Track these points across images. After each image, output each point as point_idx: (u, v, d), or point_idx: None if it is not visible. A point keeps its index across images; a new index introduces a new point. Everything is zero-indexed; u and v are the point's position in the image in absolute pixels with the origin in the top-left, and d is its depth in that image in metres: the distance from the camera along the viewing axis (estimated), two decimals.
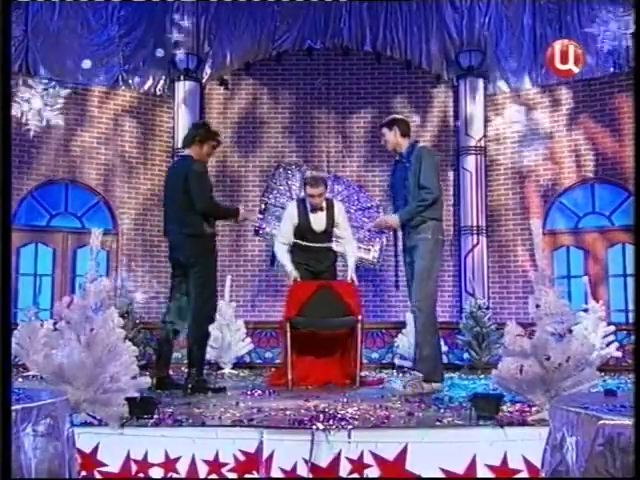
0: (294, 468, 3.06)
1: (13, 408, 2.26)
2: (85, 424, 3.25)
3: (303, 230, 5.70)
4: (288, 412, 3.78)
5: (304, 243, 5.70)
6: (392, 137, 5.05)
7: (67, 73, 9.09)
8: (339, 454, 3.08)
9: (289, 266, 5.62)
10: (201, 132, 5.20)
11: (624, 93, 8.69)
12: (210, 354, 6.98)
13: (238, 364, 7.04)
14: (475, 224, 9.22)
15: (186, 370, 5.06)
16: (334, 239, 5.80)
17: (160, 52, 9.39)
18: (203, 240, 4.98)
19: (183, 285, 5.07)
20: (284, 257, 5.70)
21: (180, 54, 9.50)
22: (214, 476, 3.11)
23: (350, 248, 5.81)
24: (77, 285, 8.08)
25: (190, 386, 4.80)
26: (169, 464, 3.14)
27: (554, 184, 9.18)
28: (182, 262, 5.06)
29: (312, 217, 5.73)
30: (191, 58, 9.54)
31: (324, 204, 5.75)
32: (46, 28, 8.97)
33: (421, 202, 4.80)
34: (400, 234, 5.09)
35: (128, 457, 3.15)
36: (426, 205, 4.81)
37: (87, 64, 8.92)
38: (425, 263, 4.81)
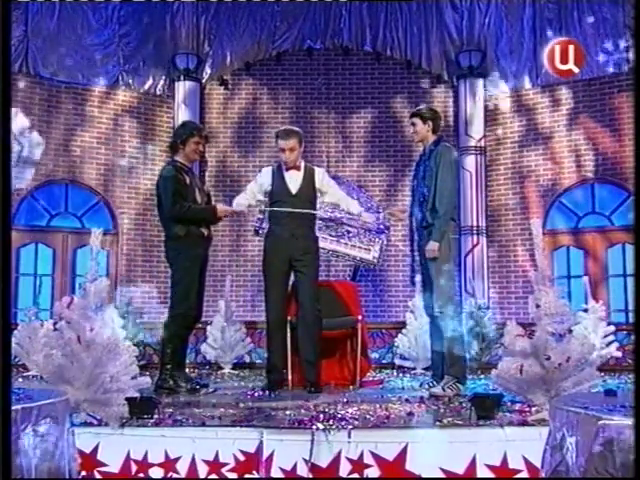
0: (294, 468, 3.06)
1: (13, 408, 2.26)
2: (85, 424, 3.24)
3: (278, 193, 5.12)
4: (288, 412, 3.78)
5: (280, 209, 5.06)
6: (424, 130, 4.96)
7: (67, 73, 9.09)
8: (339, 454, 3.08)
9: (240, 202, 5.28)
10: (180, 132, 5.15)
11: (624, 93, 8.69)
12: (210, 354, 7.01)
13: (238, 364, 7.05)
14: (475, 224, 9.22)
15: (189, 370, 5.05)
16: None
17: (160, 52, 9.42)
18: (177, 242, 4.97)
19: None
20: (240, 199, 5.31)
21: (180, 54, 9.51)
22: (214, 476, 3.11)
23: (348, 203, 5.39)
24: (77, 285, 8.09)
25: (164, 386, 4.81)
26: (169, 464, 3.14)
27: (554, 184, 9.18)
28: None
29: (287, 176, 5.15)
30: (191, 58, 9.55)
31: (302, 164, 5.20)
32: (46, 28, 8.97)
33: (442, 216, 4.77)
34: (415, 231, 5.05)
35: (128, 457, 3.15)
36: (448, 215, 4.81)
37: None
38: (441, 266, 4.76)
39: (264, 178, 5.23)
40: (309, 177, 5.20)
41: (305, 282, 5.10)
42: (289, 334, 5.23)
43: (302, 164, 5.22)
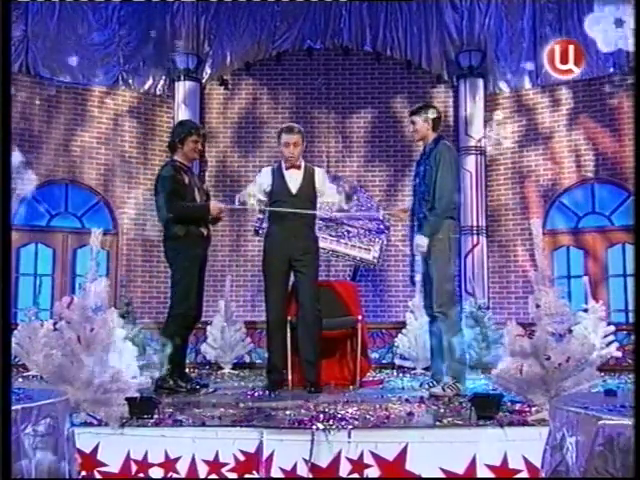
0: (294, 468, 3.06)
1: (13, 408, 2.26)
2: (85, 424, 3.24)
3: (278, 193, 5.08)
4: (288, 412, 3.78)
5: (280, 210, 5.04)
6: (424, 129, 4.92)
7: (67, 73, 9.09)
8: (339, 454, 3.08)
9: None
10: (178, 132, 5.13)
11: (624, 93, 8.70)
12: (210, 354, 7.01)
13: (238, 364, 7.05)
14: (475, 224, 9.22)
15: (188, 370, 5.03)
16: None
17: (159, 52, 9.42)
18: (176, 242, 4.95)
19: None
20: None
21: (180, 54, 9.51)
22: (214, 476, 3.11)
23: (341, 200, 5.41)
24: (77, 285, 8.08)
25: (164, 386, 4.79)
26: (169, 464, 3.14)
27: (554, 184, 9.18)
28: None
29: (287, 175, 5.13)
30: (191, 58, 9.55)
31: (302, 164, 5.19)
32: (46, 28, 8.97)
33: (438, 214, 4.75)
34: (417, 231, 5.01)
35: (128, 457, 3.15)
36: (444, 214, 4.77)
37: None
38: (440, 265, 4.72)
39: (264, 178, 5.22)
40: (309, 177, 5.19)
41: (305, 282, 5.09)
42: (289, 334, 5.23)
43: (302, 164, 5.22)
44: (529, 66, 9.34)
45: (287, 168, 5.17)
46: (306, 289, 5.09)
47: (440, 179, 4.74)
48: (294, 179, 5.14)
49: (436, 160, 4.78)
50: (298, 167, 5.18)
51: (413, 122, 4.99)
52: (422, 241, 4.74)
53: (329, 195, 5.28)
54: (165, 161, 5.54)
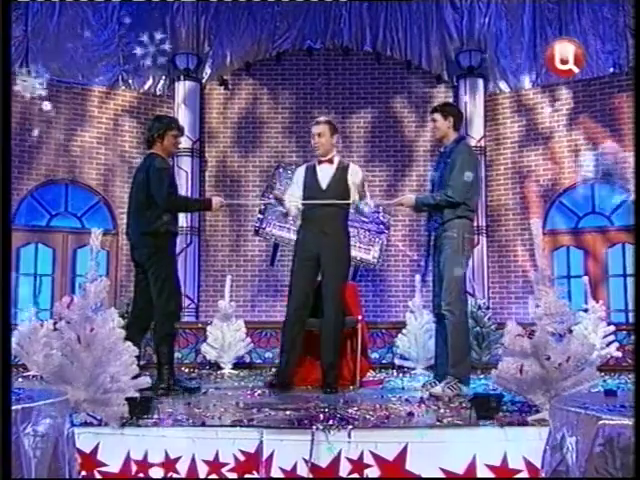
0: (294, 468, 3.06)
1: (13, 408, 2.26)
2: (85, 424, 3.24)
3: (309, 188, 5.09)
4: (288, 412, 3.78)
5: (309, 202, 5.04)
6: (445, 126, 4.89)
7: (67, 73, 9.09)
8: (339, 454, 3.08)
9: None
10: (157, 126, 5.05)
11: (624, 93, 8.70)
12: (210, 354, 7.01)
13: (238, 364, 7.05)
14: (475, 224, 9.20)
15: (159, 371, 4.87)
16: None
17: (160, 52, 9.42)
18: (159, 238, 4.87)
19: (142, 284, 5.01)
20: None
21: (180, 54, 9.51)
22: (214, 476, 3.11)
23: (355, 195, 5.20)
24: (77, 285, 8.08)
25: (163, 386, 4.75)
26: (169, 464, 3.14)
27: (554, 184, 9.18)
28: (138, 261, 5.01)
29: (319, 170, 5.12)
30: (191, 58, 9.55)
31: (335, 159, 5.18)
32: (46, 28, 8.97)
33: (442, 198, 4.74)
34: (432, 231, 4.99)
35: (128, 457, 3.15)
36: (447, 203, 4.72)
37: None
38: (451, 264, 4.70)
39: (298, 175, 5.22)
40: (341, 172, 5.14)
41: (330, 283, 5.02)
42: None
43: (335, 158, 5.18)
44: (529, 66, 9.35)
45: (319, 163, 5.15)
46: (330, 289, 5.01)
47: (453, 175, 4.71)
48: (325, 174, 5.12)
49: (455, 159, 4.75)
50: (330, 161, 5.16)
51: (434, 119, 4.96)
52: (407, 199, 5.03)
53: (353, 193, 5.17)
54: (147, 153, 5.26)
